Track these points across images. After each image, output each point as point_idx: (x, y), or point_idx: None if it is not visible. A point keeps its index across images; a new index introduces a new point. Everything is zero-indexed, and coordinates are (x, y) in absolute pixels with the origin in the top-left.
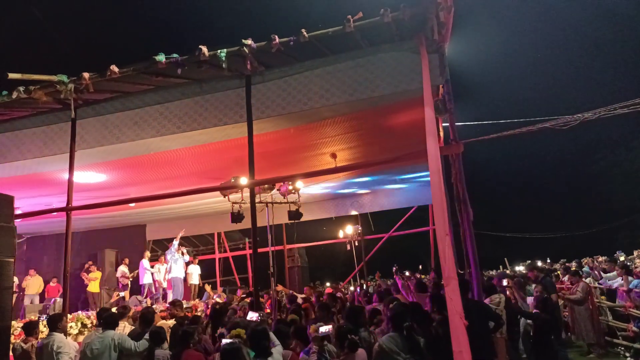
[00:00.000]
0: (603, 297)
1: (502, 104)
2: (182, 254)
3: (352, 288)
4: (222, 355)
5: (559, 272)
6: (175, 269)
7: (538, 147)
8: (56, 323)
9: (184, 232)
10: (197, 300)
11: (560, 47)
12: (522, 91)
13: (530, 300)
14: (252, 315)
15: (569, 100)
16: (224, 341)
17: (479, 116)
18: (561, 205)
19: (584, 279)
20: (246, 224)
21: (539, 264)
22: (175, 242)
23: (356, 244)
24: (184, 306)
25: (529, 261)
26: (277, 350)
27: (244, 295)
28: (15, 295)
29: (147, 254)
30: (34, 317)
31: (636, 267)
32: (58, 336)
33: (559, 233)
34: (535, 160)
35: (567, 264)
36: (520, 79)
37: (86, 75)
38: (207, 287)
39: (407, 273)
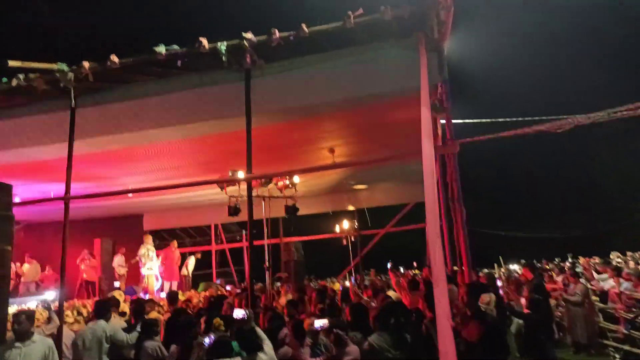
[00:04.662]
0: (596, 299)
1: (502, 102)
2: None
3: (347, 283)
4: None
5: (552, 272)
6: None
7: (537, 146)
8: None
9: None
10: (192, 290)
11: (563, 46)
12: (523, 90)
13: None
14: (239, 313)
15: (574, 99)
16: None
17: (479, 114)
18: (559, 205)
19: (581, 281)
20: (243, 216)
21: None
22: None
23: (352, 239)
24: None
25: (523, 261)
26: (268, 345)
27: (239, 292)
28: (12, 283)
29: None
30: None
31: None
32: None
33: (556, 233)
34: (534, 158)
35: (561, 264)
36: (521, 77)
37: (86, 64)
38: None
39: (401, 270)
